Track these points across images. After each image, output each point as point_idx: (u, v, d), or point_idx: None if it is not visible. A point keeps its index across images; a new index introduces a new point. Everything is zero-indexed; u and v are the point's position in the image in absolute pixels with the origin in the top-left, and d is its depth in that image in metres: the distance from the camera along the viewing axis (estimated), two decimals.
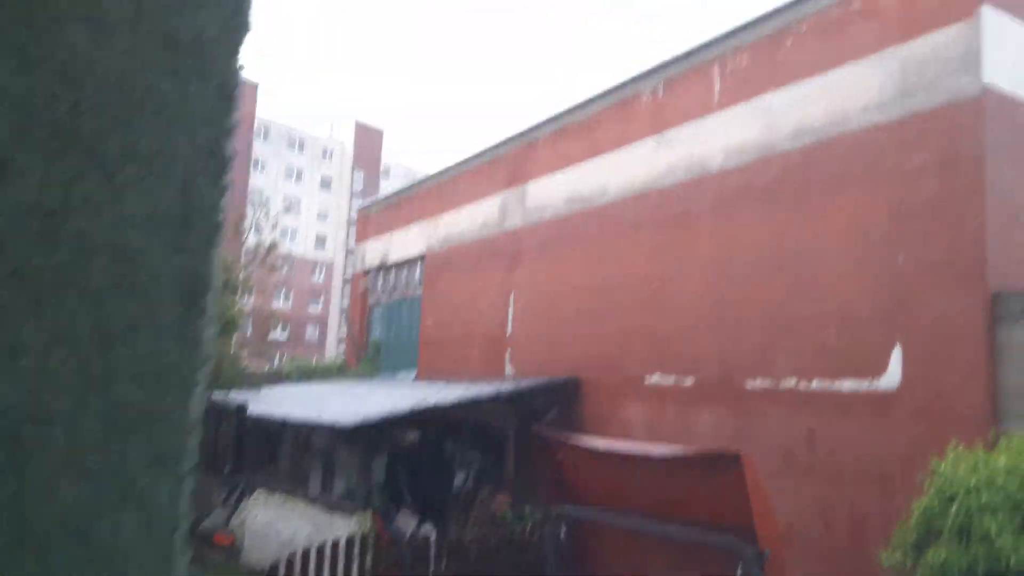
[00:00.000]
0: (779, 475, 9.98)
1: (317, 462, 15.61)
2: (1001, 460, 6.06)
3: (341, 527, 11.50)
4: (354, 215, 34.16)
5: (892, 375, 9.63)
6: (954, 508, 5.84)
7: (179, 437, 0.67)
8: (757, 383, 11.36)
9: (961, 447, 6.53)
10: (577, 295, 15.29)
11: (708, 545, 5.96)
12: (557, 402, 14.71)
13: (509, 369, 17.04)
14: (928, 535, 6.07)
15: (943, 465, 6.35)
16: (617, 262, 14.35)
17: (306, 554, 9.16)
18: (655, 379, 13.14)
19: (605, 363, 14.30)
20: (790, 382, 10.87)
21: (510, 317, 17.34)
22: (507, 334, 17.36)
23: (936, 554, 5.78)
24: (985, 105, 9.31)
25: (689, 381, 12.51)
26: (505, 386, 15.32)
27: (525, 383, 15.31)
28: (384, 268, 24.33)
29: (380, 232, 24.69)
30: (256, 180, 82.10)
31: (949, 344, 9.14)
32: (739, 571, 5.44)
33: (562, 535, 6.87)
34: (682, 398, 12.59)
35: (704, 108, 12.94)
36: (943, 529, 5.86)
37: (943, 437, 6.85)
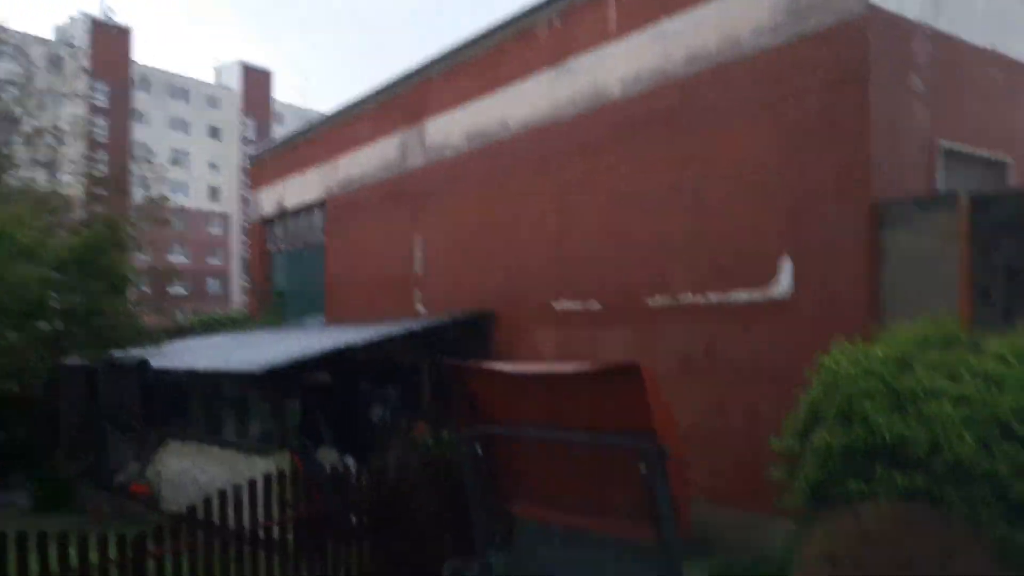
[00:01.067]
0: (681, 382, 10.50)
1: (229, 410, 15.51)
2: (879, 351, 6.54)
3: (260, 468, 11.55)
4: (247, 163, 33.17)
5: (783, 284, 10.18)
6: (836, 396, 6.31)
7: None
8: (657, 300, 11.82)
9: (845, 343, 6.99)
10: (483, 231, 15.42)
11: (613, 448, 6.21)
12: (470, 334, 14.93)
13: (420, 308, 17.15)
14: (814, 421, 6.55)
15: (828, 359, 6.81)
16: (521, 195, 14.52)
17: (223, 494, 9.14)
18: (563, 305, 13.49)
19: (515, 295, 14.56)
20: (688, 297, 11.38)
21: (417, 257, 17.40)
22: (415, 274, 17.42)
23: (820, 436, 6.27)
24: (870, 24, 9.70)
25: (595, 305, 12.89)
26: (417, 324, 15.43)
27: (437, 319, 15.46)
28: (283, 215, 23.90)
29: (276, 179, 24.15)
30: (139, 133, 78.51)
31: (836, 251, 9.69)
32: (643, 469, 5.68)
33: (477, 451, 7.10)
34: (590, 321, 12.99)
35: (601, 37, 13.07)
36: (827, 415, 6.33)
37: (831, 336, 7.30)
